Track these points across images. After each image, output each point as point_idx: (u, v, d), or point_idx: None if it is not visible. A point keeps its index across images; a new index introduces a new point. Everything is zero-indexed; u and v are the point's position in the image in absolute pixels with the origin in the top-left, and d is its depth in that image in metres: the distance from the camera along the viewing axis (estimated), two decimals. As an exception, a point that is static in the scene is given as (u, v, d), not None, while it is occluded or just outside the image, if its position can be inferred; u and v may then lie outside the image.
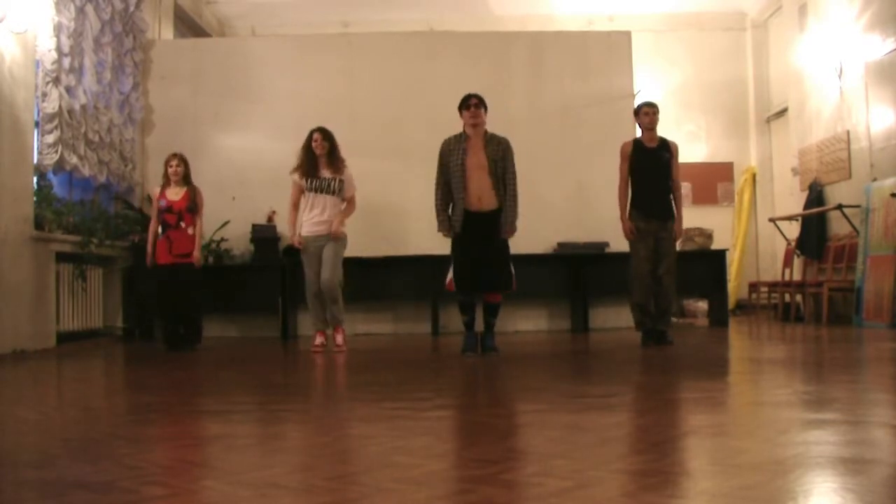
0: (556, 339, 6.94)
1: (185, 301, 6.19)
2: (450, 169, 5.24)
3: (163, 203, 6.19)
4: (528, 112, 8.25)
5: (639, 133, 5.96)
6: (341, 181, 5.91)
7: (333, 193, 5.88)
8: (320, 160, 5.90)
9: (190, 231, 6.20)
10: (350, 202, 6.01)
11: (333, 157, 5.91)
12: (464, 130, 5.30)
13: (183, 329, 6.26)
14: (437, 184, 5.34)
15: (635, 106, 6.01)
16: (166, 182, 6.26)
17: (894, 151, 7.16)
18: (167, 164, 6.28)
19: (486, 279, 5.21)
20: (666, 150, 5.75)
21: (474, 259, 5.16)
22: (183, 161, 6.29)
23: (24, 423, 3.03)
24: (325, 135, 5.91)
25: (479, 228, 5.16)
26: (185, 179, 6.28)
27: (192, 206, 6.23)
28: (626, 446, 2.42)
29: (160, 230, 6.19)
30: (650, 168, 5.68)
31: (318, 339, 5.87)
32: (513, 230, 5.23)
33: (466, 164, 5.18)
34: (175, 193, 6.22)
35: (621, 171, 5.77)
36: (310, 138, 5.93)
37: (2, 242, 5.69)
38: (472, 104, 5.22)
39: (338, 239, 5.85)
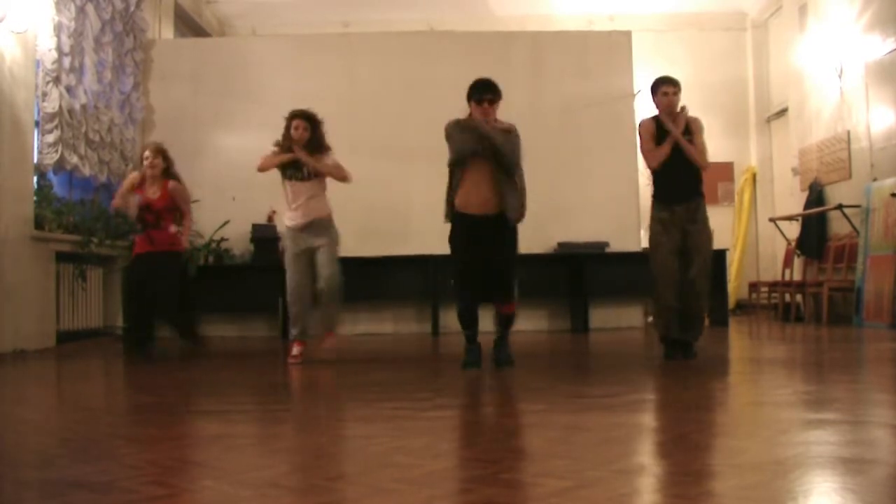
0: (556, 339, 6.94)
1: (168, 294, 5.57)
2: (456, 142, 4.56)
3: (139, 199, 5.54)
4: (528, 112, 8.22)
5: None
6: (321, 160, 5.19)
7: (311, 177, 5.15)
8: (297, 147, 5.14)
9: (172, 229, 5.60)
10: (337, 167, 5.22)
11: (314, 144, 5.17)
12: (470, 116, 4.60)
13: (178, 329, 5.80)
14: (450, 165, 4.61)
15: (652, 83, 5.01)
16: (143, 176, 5.58)
17: (894, 151, 7.16)
18: (141, 156, 5.63)
19: (486, 288, 4.58)
20: (686, 132, 4.91)
21: (478, 261, 4.56)
22: (160, 153, 5.59)
23: (24, 423, 3.03)
24: (309, 121, 5.20)
25: (481, 234, 4.51)
26: (165, 173, 5.60)
27: (173, 207, 5.62)
28: (626, 446, 2.42)
29: (139, 227, 5.61)
30: (671, 156, 4.82)
31: (297, 349, 5.03)
32: (519, 216, 4.56)
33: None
34: (153, 191, 5.55)
35: (645, 150, 4.86)
36: (289, 126, 5.19)
37: (2, 242, 5.69)
38: (485, 100, 4.53)
39: (329, 230, 5.17)
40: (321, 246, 5.10)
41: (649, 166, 4.88)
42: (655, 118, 4.91)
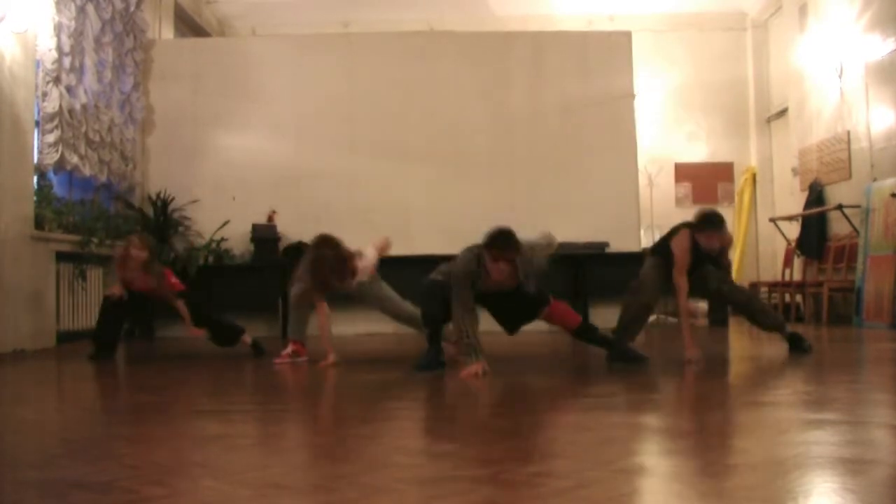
0: (556, 339, 6.93)
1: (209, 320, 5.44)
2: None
3: (125, 281, 5.28)
4: (528, 112, 8.25)
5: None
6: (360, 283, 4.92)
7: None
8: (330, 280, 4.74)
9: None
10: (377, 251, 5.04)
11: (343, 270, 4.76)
12: (483, 262, 4.17)
13: (218, 337, 5.50)
14: (461, 302, 4.16)
15: (700, 221, 4.63)
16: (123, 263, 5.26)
17: (894, 152, 7.16)
18: (125, 252, 5.24)
19: (523, 314, 4.48)
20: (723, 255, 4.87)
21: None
22: (146, 247, 5.24)
23: (24, 423, 3.03)
24: (335, 259, 4.69)
25: (494, 298, 4.38)
26: (145, 266, 5.19)
27: (164, 291, 5.25)
28: (626, 446, 2.41)
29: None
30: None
31: (289, 348, 5.03)
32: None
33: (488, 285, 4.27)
34: (132, 276, 5.24)
35: (679, 273, 4.60)
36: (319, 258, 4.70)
37: (2, 242, 5.69)
38: (502, 259, 4.07)
39: (370, 288, 5.03)
40: (378, 306, 5.14)
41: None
42: (693, 240, 4.64)
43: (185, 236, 7.92)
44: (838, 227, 8.07)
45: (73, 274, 6.64)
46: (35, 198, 6.28)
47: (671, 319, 8.85)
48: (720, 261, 4.86)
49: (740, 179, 10.68)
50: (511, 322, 4.60)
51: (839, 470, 1.98)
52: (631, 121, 8.29)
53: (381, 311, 5.22)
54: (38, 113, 6.38)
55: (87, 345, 6.57)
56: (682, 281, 4.61)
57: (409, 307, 5.11)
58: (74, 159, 6.68)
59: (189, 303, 5.43)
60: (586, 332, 4.64)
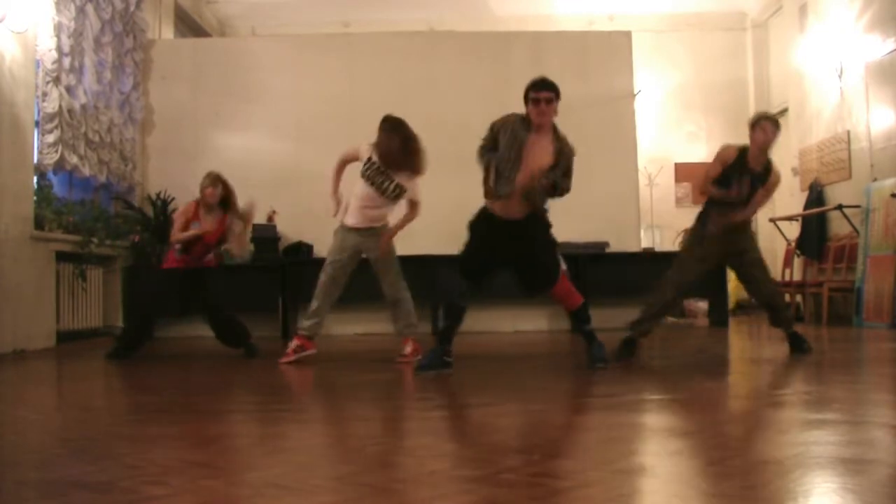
0: (556, 339, 6.94)
1: (217, 308, 5.41)
2: (500, 146, 4.35)
3: (196, 225, 5.24)
4: (529, 112, 8.25)
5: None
6: (401, 187, 5.03)
7: (385, 195, 5.00)
8: (399, 158, 5.00)
9: (209, 256, 5.43)
10: (413, 207, 5.09)
11: (408, 163, 5.02)
12: (528, 116, 4.39)
13: (227, 335, 5.45)
14: (482, 153, 4.50)
15: (754, 117, 4.74)
16: (201, 202, 5.31)
17: (894, 152, 7.16)
18: (202, 188, 5.28)
19: (530, 281, 4.45)
20: (762, 179, 4.69)
21: (503, 261, 4.39)
22: (220, 182, 5.30)
23: (24, 423, 3.03)
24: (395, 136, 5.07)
25: (508, 237, 4.39)
26: (223, 203, 5.32)
27: (224, 239, 5.39)
28: (626, 446, 2.42)
29: (179, 249, 5.25)
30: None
31: (294, 343, 4.92)
32: (548, 180, 4.28)
33: (524, 156, 4.34)
34: (209, 221, 5.27)
35: (709, 176, 4.74)
36: (404, 134, 5.10)
37: (2, 242, 5.69)
38: (542, 99, 4.31)
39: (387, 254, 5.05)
40: (384, 268, 5.04)
41: (700, 191, 4.86)
42: (741, 151, 4.65)
43: (185, 236, 7.91)
44: (838, 227, 8.07)
45: (73, 274, 6.64)
46: (35, 198, 6.28)
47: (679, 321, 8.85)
48: (763, 181, 4.67)
49: (740, 179, 10.67)
50: (528, 284, 4.50)
51: (839, 470, 1.98)
52: (631, 121, 8.28)
53: (380, 273, 5.06)
54: (38, 113, 6.38)
55: (89, 345, 6.58)
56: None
57: (404, 290, 5.06)
58: (74, 159, 6.68)
59: (209, 297, 5.38)
60: (580, 318, 4.57)
